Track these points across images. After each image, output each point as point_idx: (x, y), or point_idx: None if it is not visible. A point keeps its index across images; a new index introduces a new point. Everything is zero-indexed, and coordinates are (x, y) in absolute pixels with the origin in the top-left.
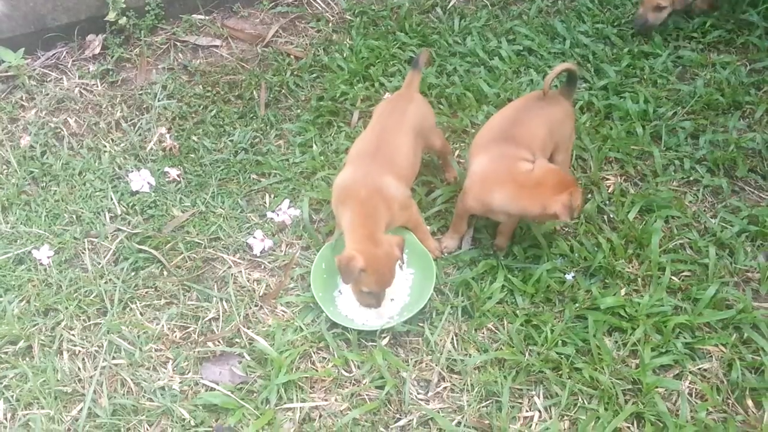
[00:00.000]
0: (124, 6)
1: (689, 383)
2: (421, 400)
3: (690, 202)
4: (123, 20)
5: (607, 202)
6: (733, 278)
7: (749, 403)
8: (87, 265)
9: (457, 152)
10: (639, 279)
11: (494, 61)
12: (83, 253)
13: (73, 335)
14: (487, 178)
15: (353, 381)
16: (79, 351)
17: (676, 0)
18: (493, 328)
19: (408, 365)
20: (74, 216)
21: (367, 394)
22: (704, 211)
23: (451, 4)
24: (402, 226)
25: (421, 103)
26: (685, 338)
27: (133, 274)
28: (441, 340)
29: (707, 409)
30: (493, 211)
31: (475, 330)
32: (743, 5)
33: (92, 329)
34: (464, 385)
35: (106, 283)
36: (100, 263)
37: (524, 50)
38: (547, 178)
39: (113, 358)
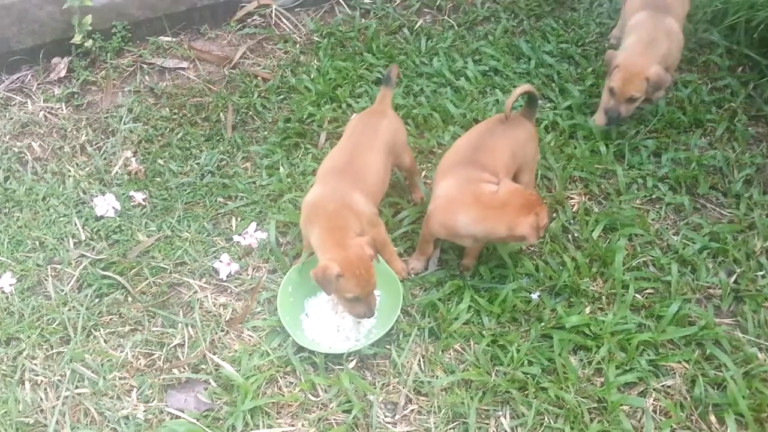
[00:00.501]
0: (90, 28)
1: (653, 400)
2: (389, 423)
3: (653, 219)
4: (89, 43)
5: (572, 221)
6: (695, 295)
7: (712, 419)
8: (50, 292)
9: (423, 173)
10: (603, 297)
11: (460, 81)
12: (46, 280)
13: (36, 364)
14: (452, 202)
15: (320, 405)
16: (42, 380)
17: (648, 89)
18: (460, 349)
19: (375, 388)
20: (37, 242)
21: (334, 419)
22: (667, 228)
23: (417, 25)
24: None
25: (394, 119)
26: (648, 355)
27: (97, 300)
28: (408, 362)
29: (671, 426)
30: (458, 234)
31: (442, 351)
32: (704, 25)
33: (55, 358)
34: (431, 407)
35: (69, 310)
36: (63, 290)
37: (490, 70)
38: (513, 199)
39: (76, 387)
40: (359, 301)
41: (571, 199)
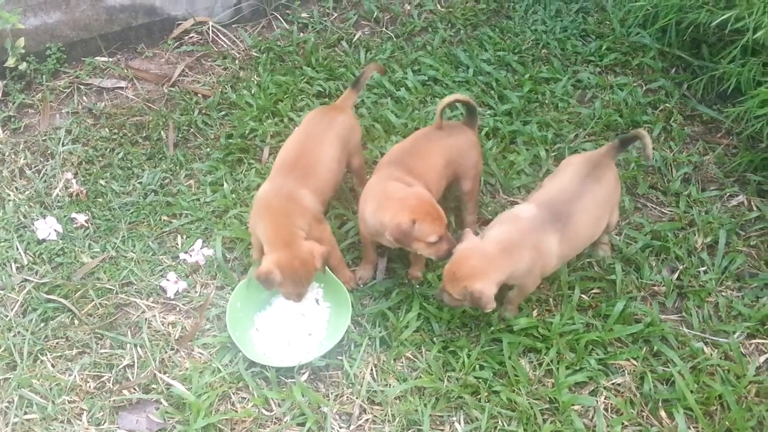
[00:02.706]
0: (23, 51)
1: (604, 398)
2: None
3: None
4: (23, 65)
5: None
6: (640, 293)
7: (662, 414)
8: None
9: None
10: (550, 299)
11: (401, 91)
12: None
13: None
14: (366, 195)
15: (274, 419)
16: None
17: None
18: (412, 357)
19: (328, 400)
20: None
21: None
22: None
23: (356, 37)
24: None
25: (351, 117)
26: (597, 354)
27: (42, 324)
28: (360, 372)
29: (622, 423)
30: (369, 227)
31: (394, 360)
32: (636, 29)
33: (1, 385)
34: (386, 415)
35: (14, 336)
36: (7, 316)
37: (429, 80)
38: (412, 200)
39: (25, 413)
40: (291, 294)
41: (516, 203)
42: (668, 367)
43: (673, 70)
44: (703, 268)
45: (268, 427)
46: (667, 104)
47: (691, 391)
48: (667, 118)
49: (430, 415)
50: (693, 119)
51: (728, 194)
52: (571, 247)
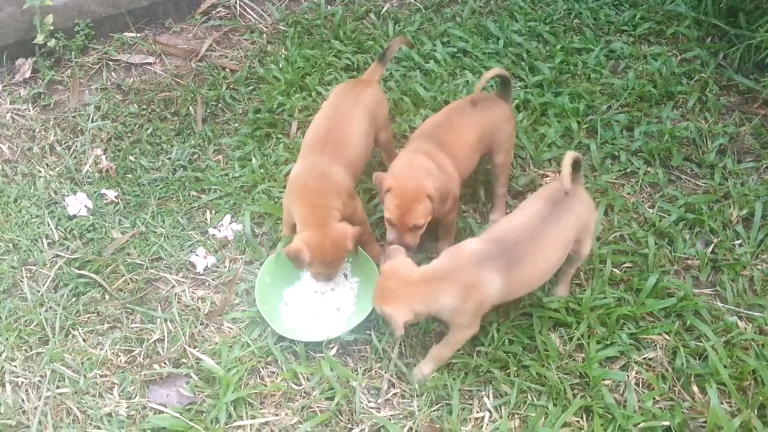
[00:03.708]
0: (52, 28)
1: (635, 373)
2: (372, 408)
3: (628, 193)
4: (52, 42)
5: None
6: (673, 266)
7: (695, 389)
8: (26, 293)
9: None
10: (581, 273)
11: (429, 64)
12: (21, 281)
13: (15, 366)
14: (392, 169)
15: (303, 394)
16: (22, 382)
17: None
18: (441, 331)
19: (357, 374)
20: (11, 244)
21: (317, 406)
22: (642, 201)
23: (384, 9)
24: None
25: (379, 90)
26: (629, 329)
27: (73, 300)
28: (389, 347)
29: (654, 398)
30: None
31: (423, 334)
32: None
33: (34, 359)
34: (414, 390)
35: (46, 311)
36: (39, 291)
37: (459, 52)
38: (406, 175)
39: (57, 387)
40: (322, 275)
41: (546, 177)
42: (701, 341)
43: (709, 39)
44: (738, 241)
45: (297, 401)
46: (702, 74)
47: (725, 366)
48: (702, 88)
49: (459, 389)
50: (729, 89)
51: (765, 166)
52: (517, 289)
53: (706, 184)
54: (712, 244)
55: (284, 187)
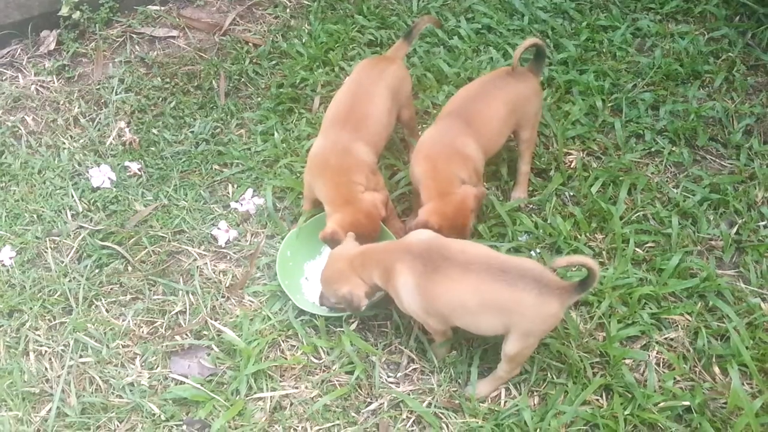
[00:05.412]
0: (77, 0)
1: (656, 353)
2: (392, 383)
3: (652, 173)
4: (77, 14)
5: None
6: (696, 247)
7: (716, 370)
8: (50, 264)
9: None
10: (603, 252)
11: (453, 40)
12: (46, 252)
13: (39, 335)
14: (418, 152)
15: (323, 367)
16: (46, 351)
17: None
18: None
19: (377, 349)
20: (35, 215)
21: (337, 380)
22: (666, 181)
23: None
24: None
25: (403, 68)
26: (650, 309)
27: (97, 271)
28: (409, 323)
29: (674, 378)
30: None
31: None
32: None
33: (58, 328)
34: (434, 366)
35: (70, 281)
36: (63, 262)
37: (483, 28)
38: (448, 208)
39: (80, 356)
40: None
41: (570, 155)
42: (723, 322)
43: (737, 18)
44: (763, 223)
45: (317, 374)
46: (730, 53)
47: (747, 347)
48: (729, 68)
49: (478, 366)
50: (757, 69)
51: None
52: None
53: (731, 164)
54: (737, 225)
55: (306, 162)
